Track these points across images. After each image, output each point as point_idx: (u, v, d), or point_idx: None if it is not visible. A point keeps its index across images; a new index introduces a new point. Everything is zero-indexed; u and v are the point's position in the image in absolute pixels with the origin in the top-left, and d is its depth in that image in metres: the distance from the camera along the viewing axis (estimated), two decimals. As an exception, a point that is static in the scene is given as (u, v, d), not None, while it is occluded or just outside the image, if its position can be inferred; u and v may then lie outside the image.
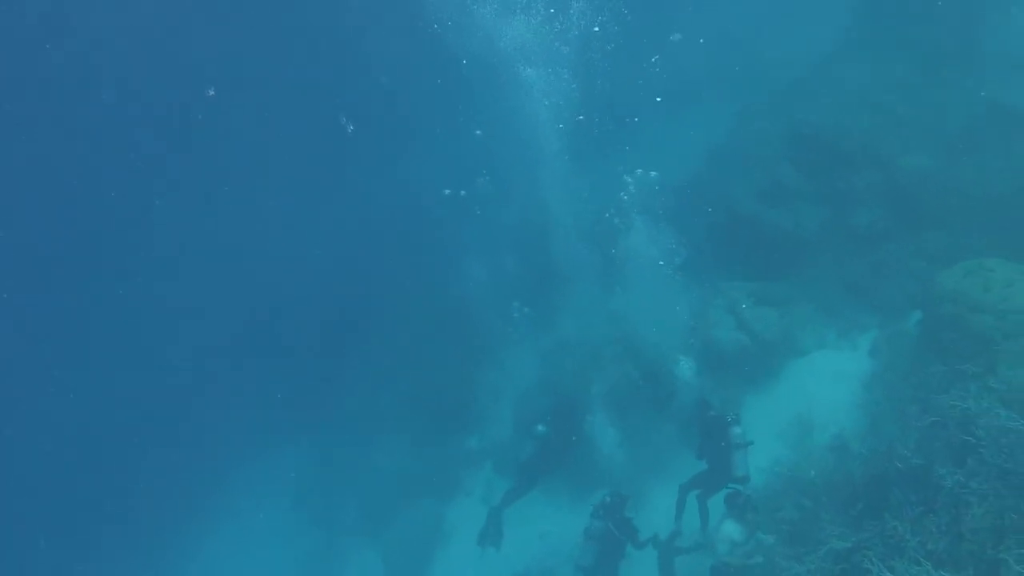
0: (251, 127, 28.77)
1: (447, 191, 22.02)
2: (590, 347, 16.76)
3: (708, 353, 14.01)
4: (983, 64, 15.17)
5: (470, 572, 15.29)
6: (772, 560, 9.14)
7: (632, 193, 16.35)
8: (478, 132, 22.38)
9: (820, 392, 12.28)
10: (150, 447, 24.36)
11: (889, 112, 15.28)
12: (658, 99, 16.61)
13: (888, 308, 12.99)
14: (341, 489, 19.59)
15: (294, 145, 29.47)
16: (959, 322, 10.32)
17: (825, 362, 13.14)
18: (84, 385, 27.55)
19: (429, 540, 16.43)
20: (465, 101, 22.31)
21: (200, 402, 24.87)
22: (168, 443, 24.33)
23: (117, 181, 28.44)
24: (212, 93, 27.17)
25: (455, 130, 23.44)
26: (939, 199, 13.54)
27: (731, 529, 9.59)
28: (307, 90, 29.09)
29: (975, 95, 14.56)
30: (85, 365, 28.64)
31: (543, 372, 17.44)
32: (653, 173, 16.43)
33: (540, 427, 12.97)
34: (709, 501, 10.94)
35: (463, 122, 22.58)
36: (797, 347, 13.68)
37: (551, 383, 16.64)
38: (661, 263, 15.14)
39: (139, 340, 28.56)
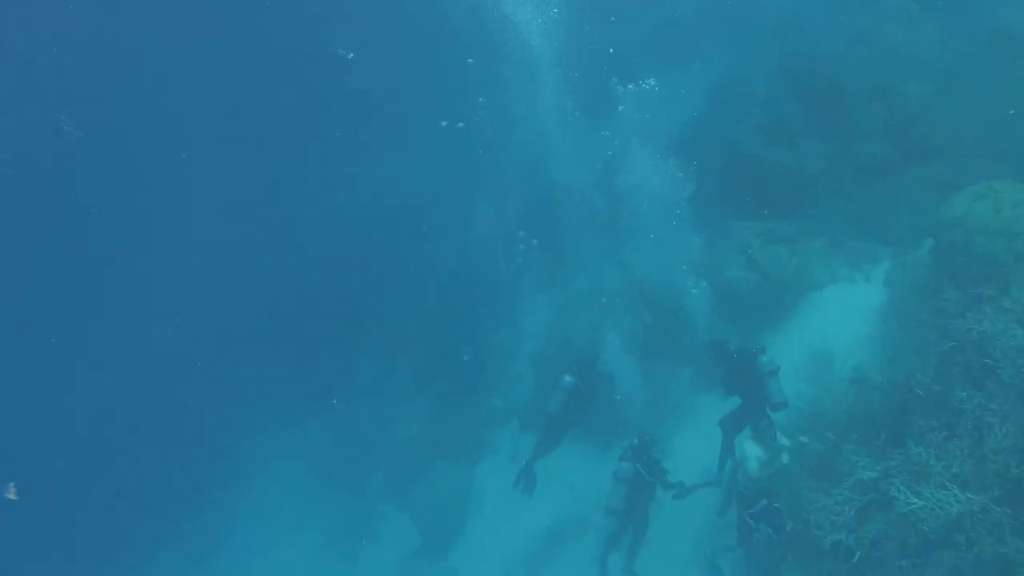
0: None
1: (443, 122, 21.93)
2: (603, 297, 16.88)
3: (721, 294, 14.11)
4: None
5: (503, 528, 15.69)
6: (797, 489, 9.34)
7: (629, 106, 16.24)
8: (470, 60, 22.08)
9: (836, 326, 12.35)
10: (174, 427, 24.69)
11: (887, 41, 15.12)
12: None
13: (899, 238, 12.99)
14: (368, 457, 19.93)
15: (292, 102, 29.32)
16: (970, 246, 10.35)
17: (839, 296, 13.21)
18: (105, 371, 27.94)
19: (461, 500, 16.73)
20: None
21: (222, 379, 25.15)
22: (193, 424, 24.63)
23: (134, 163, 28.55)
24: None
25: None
26: (943, 125, 13.50)
27: (755, 449, 9.83)
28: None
29: (980, 33, 14.38)
30: (103, 352, 28.99)
31: (558, 327, 17.55)
32: (651, 80, 16.30)
33: (568, 378, 12.97)
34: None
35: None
36: (810, 283, 13.75)
37: (567, 337, 16.74)
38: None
39: (157, 320, 28.81)
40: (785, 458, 9.39)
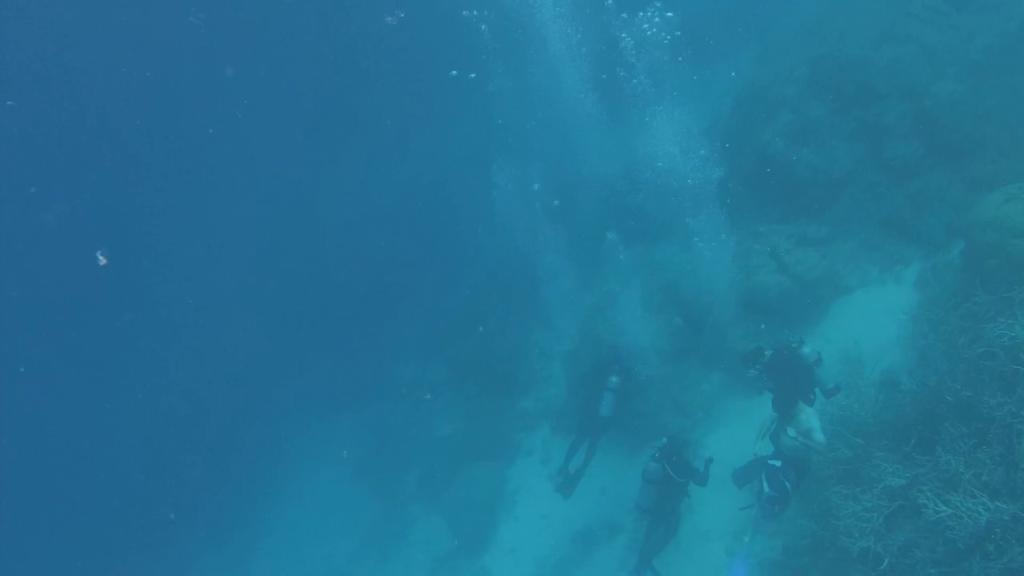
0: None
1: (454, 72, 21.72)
2: (632, 299, 16.93)
3: (752, 299, 14.10)
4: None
5: (535, 531, 15.82)
6: (828, 501, 9.35)
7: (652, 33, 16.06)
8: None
9: (867, 329, 12.31)
10: (210, 428, 25.12)
11: (916, 40, 14.98)
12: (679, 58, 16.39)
13: (930, 240, 12.91)
14: (401, 458, 20.13)
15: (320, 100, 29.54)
16: (1003, 249, 10.26)
17: (870, 298, 13.14)
18: (140, 368, 28.49)
19: (492, 502, 16.89)
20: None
21: (255, 380, 25.54)
22: (227, 424, 25.05)
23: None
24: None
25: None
26: (973, 125, 13.36)
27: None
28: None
29: (1010, 29, 14.20)
30: (137, 348, 29.56)
31: (589, 329, 17.63)
32: (669, 14, 16.19)
33: (614, 378, 13.27)
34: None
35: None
36: (841, 285, 13.69)
37: (599, 337, 16.80)
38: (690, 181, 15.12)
39: (195, 320, 29.28)
40: (820, 436, 9.32)
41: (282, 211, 30.33)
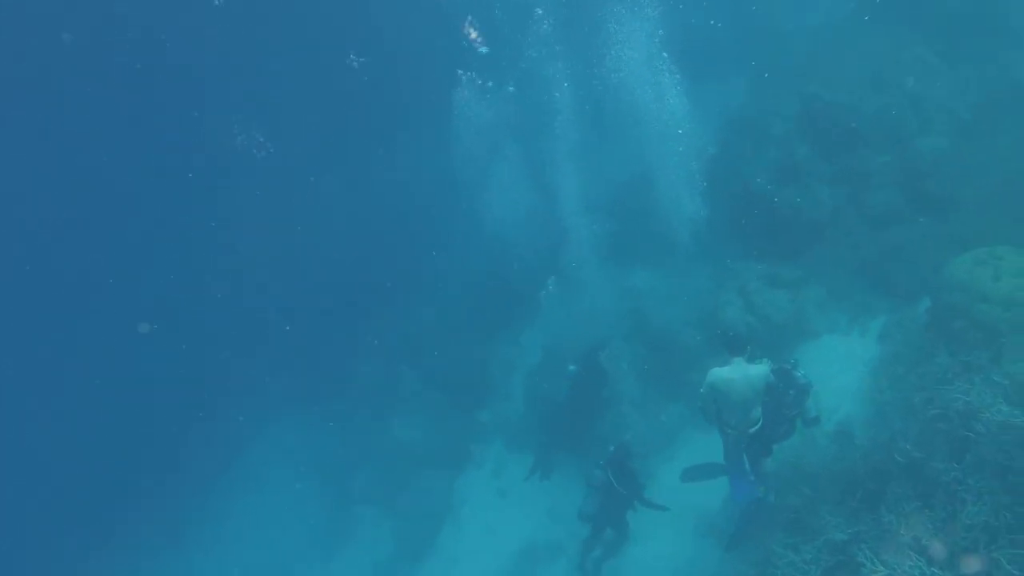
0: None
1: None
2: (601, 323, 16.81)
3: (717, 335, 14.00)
4: (1004, 41, 14.86)
5: (478, 544, 15.67)
6: (769, 548, 9.26)
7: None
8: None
9: (828, 377, 12.25)
10: (163, 423, 24.67)
11: (904, 91, 14.99)
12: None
13: (900, 293, 12.86)
14: (356, 458, 19.93)
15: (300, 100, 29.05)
16: (968, 311, 10.27)
17: (834, 346, 13.07)
18: (96, 363, 27.93)
19: (440, 510, 16.75)
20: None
21: (214, 373, 25.12)
22: (182, 418, 24.61)
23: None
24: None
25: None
26: (954, 182, 13.36)
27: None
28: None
29: (999, 88, 14.27)
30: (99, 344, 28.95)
31: (553, 346, 17.50)
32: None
33: (572, 367, 13.80)
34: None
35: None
36: (808, 330, 13.62)
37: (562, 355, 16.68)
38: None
39: (156, 316, 28.72)
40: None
41: (249, 204, 29.56)
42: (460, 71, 20.40)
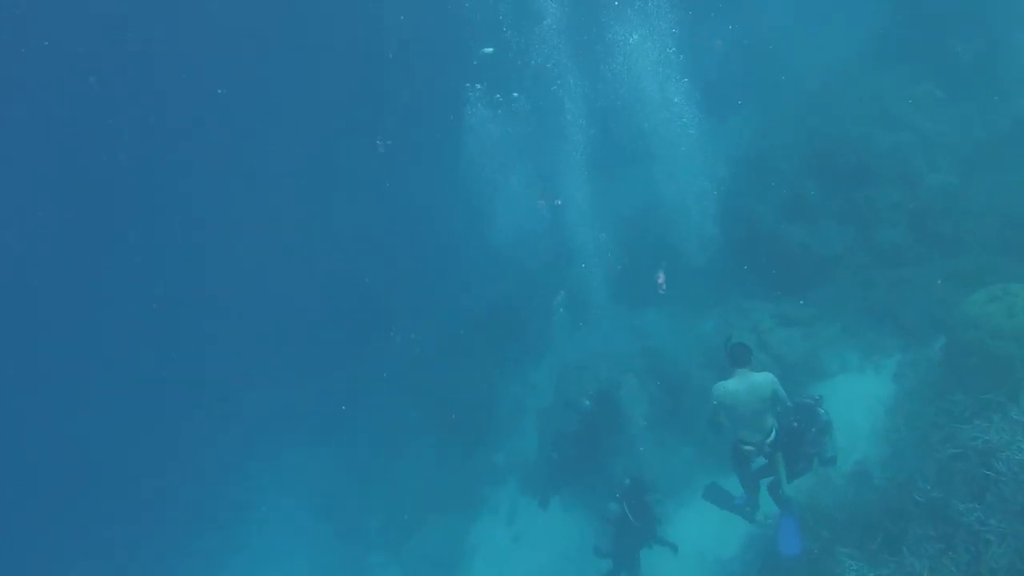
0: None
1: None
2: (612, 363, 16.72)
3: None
4: (1010, 79, 14.96)
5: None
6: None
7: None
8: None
9: (842, 417, 12.06)
10: (172, 460, 24.52)
11: (913, 128, 15.06)
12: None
13: (913, 331, 12.77)
14: (367, 499, 19.74)
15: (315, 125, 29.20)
16: (982, 349, 10.16)
17: (848, 386, 12.92)
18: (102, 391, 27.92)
19: (453, 558, 16.52)
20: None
21: (223, 412, 25.07)
22: (191, 454, 24.47)
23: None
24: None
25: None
26: (965, 220, 13.36)
27: None
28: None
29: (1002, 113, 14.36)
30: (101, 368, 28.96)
31: (564, 386, 17.39)
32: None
33: (587, 402, 13.70)
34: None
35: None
36: (820, 370, 13.50)
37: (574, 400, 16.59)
38: None
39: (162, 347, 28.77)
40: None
41: (259, 229, 29.55)
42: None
